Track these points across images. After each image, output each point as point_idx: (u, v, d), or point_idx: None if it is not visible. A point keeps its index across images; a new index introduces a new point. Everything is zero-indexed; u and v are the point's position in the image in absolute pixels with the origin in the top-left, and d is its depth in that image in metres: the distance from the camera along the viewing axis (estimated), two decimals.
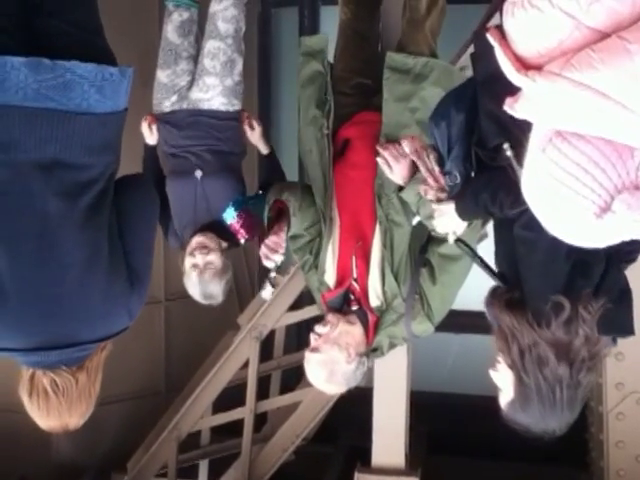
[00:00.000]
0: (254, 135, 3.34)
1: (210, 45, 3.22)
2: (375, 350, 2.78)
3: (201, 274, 3.14)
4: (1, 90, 1.71)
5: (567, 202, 1.43)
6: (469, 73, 2.27)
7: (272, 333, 4.50)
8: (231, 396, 4.52)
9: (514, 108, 1.47)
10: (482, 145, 1.92)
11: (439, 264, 2.62)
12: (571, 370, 1.80)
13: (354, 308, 2.70)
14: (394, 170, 2.54)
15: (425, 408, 4.12)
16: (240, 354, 4.40)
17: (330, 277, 2.76)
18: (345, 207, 2.75)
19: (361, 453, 3.86)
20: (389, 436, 3.71)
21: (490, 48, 1.53)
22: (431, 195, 2.30)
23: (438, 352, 5.20)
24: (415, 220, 2.63)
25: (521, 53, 1.47)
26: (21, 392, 1.99)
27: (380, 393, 3.64)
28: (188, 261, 3.17)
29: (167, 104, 3.30)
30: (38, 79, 1.71)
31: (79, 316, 1.94)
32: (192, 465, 4.74)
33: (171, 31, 3.28)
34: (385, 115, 2.69)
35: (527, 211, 1.70)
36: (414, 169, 2.46)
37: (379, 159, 2.57)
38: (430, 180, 2.30)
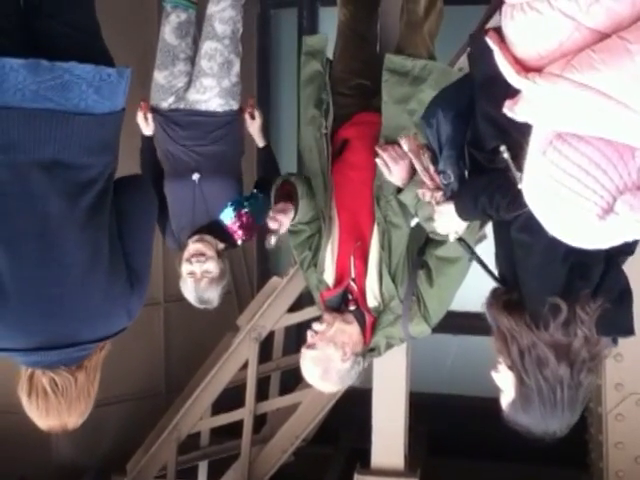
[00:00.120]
0: (254, 125, 3.35)
1: (207, 46, 3.22)
2: (372, 350, 2.79)
3: (198, 282, 3.14)
4: (0, 91, 1.71)
5: (569, 204, 1.43)
6: None
7: (271, 334, 4.51)
8: (230, 397, 4.52)
9: (513, 110, 1.46)
10: (479, 147, 1.92)
11: (436, 266, 2.63)
12: (572, 371, 1.81)
13: (352, 308, 2.71)
14: (393, 172, 2.54)
15: (424, 409, 4.13)
16: (239, 355, 4.40)
17: (329, 276, 2.77)
18: (344, 207, 2.75)
19: (360, 454, 3.86)
20: (388, 437, 3.71)
21: (488, 50, 1.53)
22: (428, 196, 2.30)
23: (437, 353, 5.20)
24: (413, 222, 2.64)
25: (521, 55, 1.47)
26: (20, 392, 2.00)
27: (379, 394, 3.64)
28: (185, 267, 3.16)
29: (164, 105, 3.30)
30: (37, 80, 1.72)
31: (79, 316, 1.95)
32: (192, 466, 4.74)
33: (169, 32, 3.28)
34: (384, 117, 2.69)
35: (523, 214, 1.71)
36: (413, 171, 2.46)
37: (378, 160, 2.57)
38: (426, 179, 2.30)
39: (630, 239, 1.50)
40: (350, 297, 2.73)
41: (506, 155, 1.78)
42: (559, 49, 1.40)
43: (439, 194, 2.26)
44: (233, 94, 3.29)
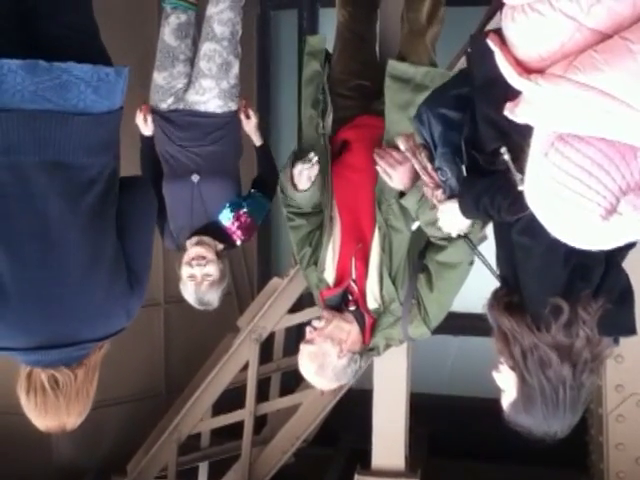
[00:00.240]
0: (249, 124, 3.36)
1: (206, 47, 3.22)
2: (371, 350, 2.80)
3: (198, 285, 3.15)
4: None
5: (572, 205, 1.43)
6: None
7: (272, 335, 4.51)
8: (231, 398, 4.52)
9: (514, 112, 1.46)
10: (480, 149, 1.92)
11: (436, 271, 2.63)
12: (574, 371, 1.80)
13: (352, 309, 2.71)
14: (393, 178, 2.54)
15: (425, 410, 4.13)
16: (240, 356, 4.40)
17: (329, 275, 2.77)
18: (346, 208, 2.76)
19: (361, 455, 3.86)
20: (389, 438, 3.71)
21: (488, 52, 1.52)
22: (429, 193, 2.30)
23: (438, 354, 5.20)
24: (414, 226, 2.64)
25: (522, 57, 1.47)
26: (19, 391, 2.00)
27: (380, 395, 3.64)
28: (185, 271, 3.17)
29: (164, 106, 3.31)
30: (35, 81, 1.71)
31: (80, 316, 1.95)
32: (192, 467, 4.74)
33: (168, 33, 3.28)
34: (387, 122, 2.69)
35: (524, 217, 1.70)
36: (415, 175, 2.46)
37: (378, 168, 2.57)
38: (425, 177, 2.30)
39: (633, 239, 1.50)
40: (350, 298, 2.73)
41: (507, 157, 1.77)
42: (560, 50, 1.40)
43: (439, 192, 2.26)
44: (232, 95, 3.29)
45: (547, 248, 1.77)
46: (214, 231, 3.26)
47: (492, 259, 2.18)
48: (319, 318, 2.70)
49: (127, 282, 2.02)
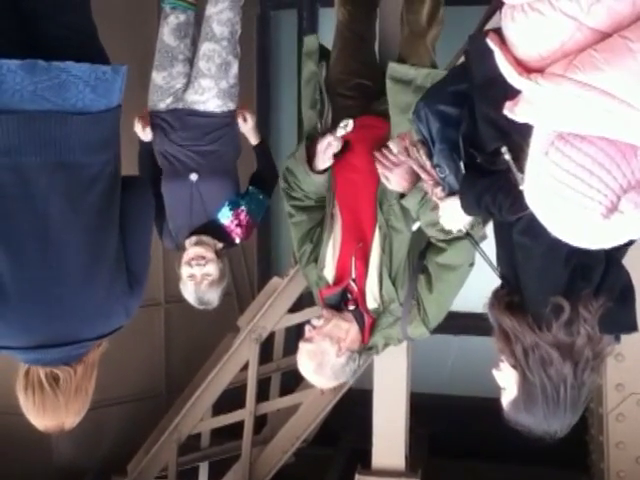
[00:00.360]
0: (246, 127, 3.36)
1: (205, 47, 3.22)
2: (370, 349, 2.81)
3: (198, 284, 3.16)
4: None
5: (573, 204, 1.43)
6: None
7: (272, 335, 4.50)
8: (231, 398, 4.52)
9: (514, 112, 1.46)
10: (480, 149, 1.92)
11: (436, 272, 2.64)
12: (575, 370, 1.81)
13: (351, 308, 2.72)
14: (390, 180, 2.54)
15: (425, 410, 4.12)
16: (240, 356, 4.40)
17: (329, 273, 2.78)
18: (347, 207, 2.76)
19: (361, 455, 3.86)
20: (389, 438, 3.71)
21: (488, 52, 1.52)
22: (429, 190, 2.30)
23: (438, 354, 5.20)
24: (415, 226, 2.64)
25: (521, 56, 1.47)
26: (17, 389, 2.01)
27: (380, 395, 3.64)
28: (185, 270, 3.18)
29: (162, 106, 3.31)
30: (34, 81, 1.72)
31: (80, 315, 1.96)
32: (192, 467, 4.74)
33: (167, 33, 3.28)
34: (392, 125, 2.69)
35: (525, 216, 1.70)
36: (414, 177, 2.46)
37: (379, 171, 2.58)
38: (424, 175, 2.30)
39: (634, 237, 1.50)
40: (350, 297, 2.74)
41: (507, 157, 1.77)
42: (560, 49, 1.40)
43: (438, 189, 2.26)
44: (231, 95, 3.29)
45: (548, 248, 1.77)
46: (213, 230, 3.27)
47: (492, 258, 2.18)
48: (319, 317, 2.71)
49: (126, 282, 2.03)
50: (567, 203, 1.44)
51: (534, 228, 1.59)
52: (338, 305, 2.74)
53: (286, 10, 5.59)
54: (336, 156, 2.76)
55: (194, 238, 3.24)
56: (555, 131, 1.44)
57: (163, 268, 4.98)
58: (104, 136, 1.88)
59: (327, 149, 2.69)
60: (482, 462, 4.99)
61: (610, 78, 1.33)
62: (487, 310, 1.97)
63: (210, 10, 3.22)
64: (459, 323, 4.46)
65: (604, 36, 1.37)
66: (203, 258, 3.15)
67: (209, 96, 3.25)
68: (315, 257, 2.81)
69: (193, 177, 3.27)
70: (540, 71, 1.41)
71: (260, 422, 4.57)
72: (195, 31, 3.34)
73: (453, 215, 2.27)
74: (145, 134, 3.32)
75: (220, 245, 3.25)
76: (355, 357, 2.70)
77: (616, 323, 1.90)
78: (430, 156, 2.26)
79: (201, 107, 3.27)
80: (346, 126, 2.70)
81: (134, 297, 2.07)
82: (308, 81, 2.90)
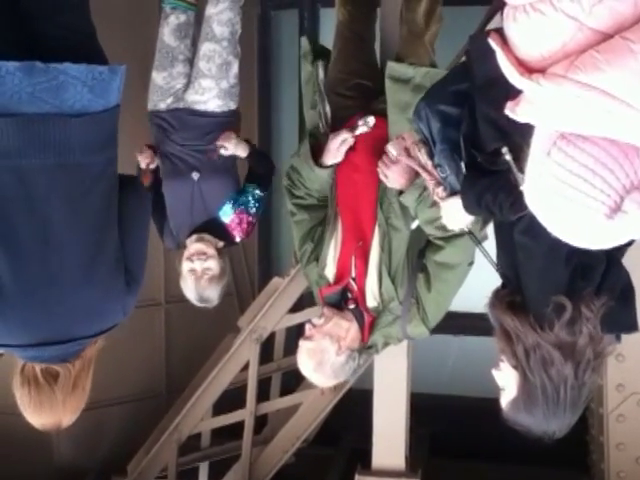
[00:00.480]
0: (229, 151, 3.31)
1: (205, 48, 3.22)
2: (370, 348, 2.81)
3: (198, 279, 3.16)
4: None
5: (576, 204, 1.43)
6: None
7: (272, 335, 4.50)
8: (231, 398, 4.52)
9: (515, 112, 1.46)
10: (480, 149, 1.92)
11: (435, 271, 2.65)
12: (577, 370, 1.80)
13: (351, 307, 2.73)
14: (389, 177, 2.55)
15: (425, 410, 4.12)
16: (240, 356, 4.40)
17: (330, 272, 2.78)
18: (347, 206, 2.76)
19: (361, 455, 3.86)
20: (389, 438, 3.71)
21: (489, 52, 1.52)
22: (431, 190, 2.30)
23: (438, 354, 5.20)
24: (414, 225, 2.64)
25: (523, 57, 1.47)
26: (14, 386, 2.02)
27: (380, 395, 3.64)
28: (186, 265, 3.19)
29: (162, 106, 3.31)
30: (32, 82, 1.72)
31: (78, 314, 1.97)
32: (192, 467, 4.74)
33: (168, 34, 3.28)
34: (389, 123, 2.69)
35: (526, 216, 1.70)
36: (412, 174, 2.46)
37: (378, 168, 2.58)
38: (425, 175, 2.30)
39: (636, 237, 1.50)
40: (350, 296, 2.74)
41: (508, 157, 1.77)
42: (562, 50, 1.40)
43: (440, 189, 2.26)
44: (231, 95, 3.30)
45: (549, 248, 1.77)
46: (214, 228, 3.28)
47: (493, 258, 2.17)
48: (318, 315, 2.71)
49: (124, 281, 2.04)
50: (570, 203, 1.44)
51: (535, 228, 1.59)
52: (338, 304, 2.74)
53: (287, 10, 5.59)
54: None
55: (195, 236, 3.25)
56: (557, 131, 1.45)
57: (164, 268, 4.98)
58: (103, 136, 1.89)
59: (341, 146, 2.69)
60: (482, 462, 4.99)
61: (611, 79, 1.33)
62: (488, 310, 1.97)
63: (210, 10, 3.22)
64: (459, 323, 4.46)
65: (605, 37, 1.37)
66: (204, 254, 3.16)
67: (210, 96, 3.25)
68: (316, 256, 2.82)
69: (195, 176, 3.27)
70: (541, 71, 1.41)
71: (260, 422, 4.57)
72: (195, 31, 3.35)
73: (454, 215, 2.27)
74: (145, 164, 3.30)
75: (221, 244, 3.26)
76: (355, 356, 2.70)
77: (617, 323, 1.90)
78: (431, 156, 2.26)
79: (202, 107, 3.27)
80: (367, 123, 2.70)
81: (131, 295, 2.08)
82: (307, 82, 2.92)
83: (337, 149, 2.70)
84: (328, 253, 2.77)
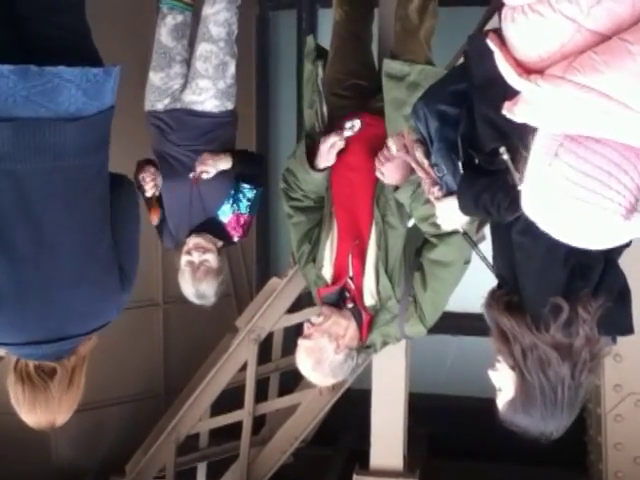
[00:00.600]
0: (211, 173, 3.24)
1: (202, 48, 3.22)
2: (368, 347, 2.82)
3: (195, 272, 3.16)
4: None
5: (590, 206, 1.44)
6: None
7: (270, 335, 4.50)
8: (229, 398, 4.51)
9: (513, 112, 1.46)
10: (478, 149, 1.92)
11: (430, 270, 2.65)
12: (573, 371, 1.81)
13: (349, 306, 2.73)
14: (385, 173, 2.55)
15: (424, 410, 4.13)
16: (238, 356, 4.40)
17: (327, 272, 2.79)
18: (342, 206, 2.77)
19: (360, 455, 3.86)
20: (387, 438, 3.71)
21: (487, 52, 1.53)
22: (427, 190, 2.30)
23: (437, 354, 5.20)
24: (410, 222, 2.64)
25: (521, 57, 1.47)
26: (8, 385, 2.03)
27: (378, 395, 3.64)
28: (184, 259, 3.20)
29: (160, 106, 3.31)
30: (27, 86, 1.71)
31: (73, 313, 1.98)
32: (191, 467, 4.74)
33: (165, 34, 3.28)
34: (386, 121, 2.69)
35: (523, 216, 1.70)
36: (408, 171, 2.47)
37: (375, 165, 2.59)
38: (421, 173, 2.30)
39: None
40: (347, 295, 2.74)
41: (506, 157, 1.77)
42: (560, 51, 1.40)
43: (436, 188, 2.26)
44: (229, 95, 3.30)
45: (547, 249, 1.77)
46: (212, 228, 3.28)
47: (490, 259, 2.18)
48: (317, 314, 2.72)
49: (118, 281, 2.06)
50: (583, 204, 1.44)
51: (533, 228, 1.59)
52: (336, 303, 2.75)
53: (285, 11, 5.59)
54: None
55: (194, 236, 3.25)
56: (562, 132, 1.45)
57: (162, 269, 4.98)
58: (98, 138, 1.89)
59: (331, 149, 2.70)
60: (481, 462, 4.98)
61: (609, 80, 1.33)
62: (484, 310, 1.97)
63: (207, 11, 3.22)
64: (457, 323, 4.46)
65: (604, 38, 1.37)
66: (202, 247, 3.18)
67: (207, 96, 3.25)
68: (314, 257, 2.82)
69: (192, 177, 3.27)
70: (540, 72, 1.42)
71: (259, 422, 4.57)
72: (192, 32, 3.35)
73: (450, 215, 2.27)
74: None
75: (220, 243, 3.27)
76: (353, 355, 2.70)
77: (613, 324, 1.90)
78: (428, 155, 2.26)
79: (199, 107, 3.27)
80: (352, 127, 2.71)
81: (125, 293, 2.10)
82: (307, 81, 2.92)
83: (327, 152, 2.70)
84: (325, 253, 2.78)
